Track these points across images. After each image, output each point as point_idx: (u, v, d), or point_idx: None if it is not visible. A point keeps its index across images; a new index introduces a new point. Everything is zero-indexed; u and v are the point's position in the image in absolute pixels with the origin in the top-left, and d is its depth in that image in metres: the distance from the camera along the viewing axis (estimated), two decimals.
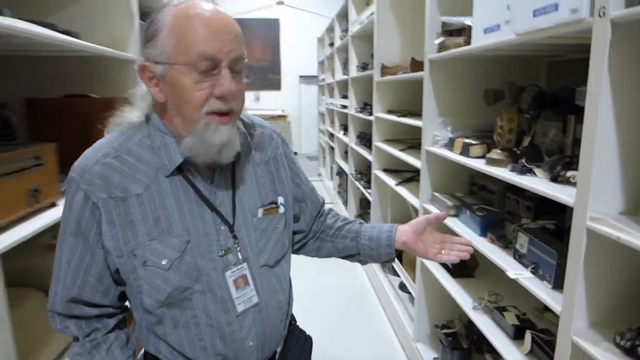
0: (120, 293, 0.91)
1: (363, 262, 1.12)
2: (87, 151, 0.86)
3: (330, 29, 5.37)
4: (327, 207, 1.17)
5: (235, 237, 0.89)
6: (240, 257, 0.89)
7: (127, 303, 0.96)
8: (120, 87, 1.79)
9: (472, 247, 1.06)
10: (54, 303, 0.89)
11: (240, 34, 0.82)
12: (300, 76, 8.27)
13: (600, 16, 0.87)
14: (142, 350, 0.96)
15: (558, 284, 1.12)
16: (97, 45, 1.45)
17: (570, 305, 1.00)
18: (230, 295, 0.88)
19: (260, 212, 0.94)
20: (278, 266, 0.97)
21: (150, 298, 0.85)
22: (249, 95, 7.93)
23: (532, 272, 1.23)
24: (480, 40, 1.42)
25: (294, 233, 1.08)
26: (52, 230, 1.16)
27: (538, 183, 1.18)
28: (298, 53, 8.12)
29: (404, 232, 1.05)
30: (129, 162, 0.84)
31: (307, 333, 1.12)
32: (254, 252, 0.92)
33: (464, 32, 1.62)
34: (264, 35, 8.09)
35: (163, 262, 0.83)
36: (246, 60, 0.84)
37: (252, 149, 0.97)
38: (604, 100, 0.89)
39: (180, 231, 0.85)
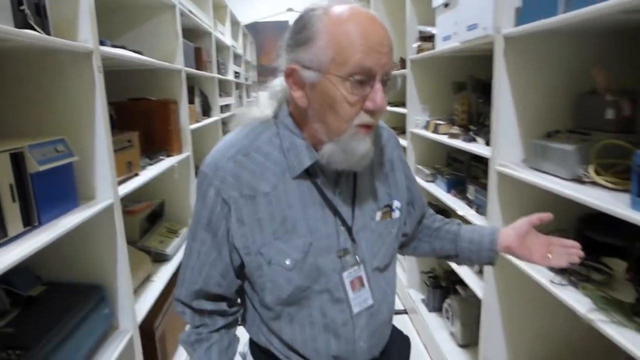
0: (237, 288, 0.93)
1: (460, 264, 1.11)
2: (219, 147, 0.87)
3: None
4: None
5: (353, 240, 0.88)
6: (357, 259, 0.88)
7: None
8: (169, 91, 2.32)
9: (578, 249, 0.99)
10: (180, 291, 0.93)
11: (392, 45, 0.78)
12: None
13: (498, 32, 1.35)
14: (247, 340, 0.99)
15: None
16: (157, 61, 1.96)
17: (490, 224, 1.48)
18: (347, 296, 0.87)
19: (378, 215, 0.92)
20: (387, 270, 0.96)
21: (272, 295, 0.86)
22: None
23: (476, 211, 1.72)
24: (440, 46, 1.90)
25: None
26: (131, 195, 1.65)
27: (475, 146, 1.66)
28: None
29: (507, 236, 1.00)
30: (259, 161, 0.84)
31: (405, 333, 1.10)
32: (369, 255, 0.90)
33: (432, 38, 2.09)
34: (277, 36, 8.54)
35: (287, 262, 0.83)
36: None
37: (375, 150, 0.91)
38: (503, 86, 1.38)
39: (304, 232, 0.84)
